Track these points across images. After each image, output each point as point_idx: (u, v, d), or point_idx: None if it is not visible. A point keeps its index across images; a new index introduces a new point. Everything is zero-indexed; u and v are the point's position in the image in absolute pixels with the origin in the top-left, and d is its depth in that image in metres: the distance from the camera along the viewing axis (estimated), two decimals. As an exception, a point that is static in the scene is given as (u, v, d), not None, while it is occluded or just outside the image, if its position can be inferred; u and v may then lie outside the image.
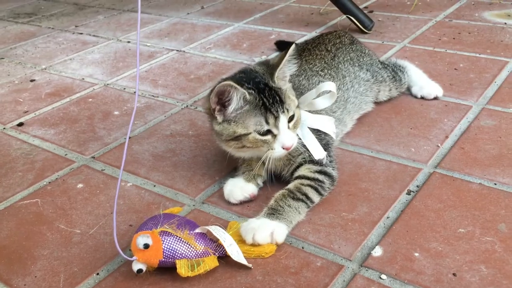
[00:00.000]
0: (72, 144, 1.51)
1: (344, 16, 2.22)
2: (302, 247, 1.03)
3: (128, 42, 2.38)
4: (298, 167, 1.18)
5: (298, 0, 2.80)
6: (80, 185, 1.30)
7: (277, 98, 1.09)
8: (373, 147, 1.36)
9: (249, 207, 1.17)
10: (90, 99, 1.80)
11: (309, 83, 1.34)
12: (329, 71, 1.39)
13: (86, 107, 1.75)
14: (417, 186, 1.19)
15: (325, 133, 1.25)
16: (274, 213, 1.06)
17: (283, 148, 1.10)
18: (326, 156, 1.17)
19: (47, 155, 1.46)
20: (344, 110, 1.36)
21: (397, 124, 1.46)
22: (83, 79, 1.99)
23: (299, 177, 1.15)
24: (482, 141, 1.34)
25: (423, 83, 1.59)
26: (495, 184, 1.17)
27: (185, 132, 1.52)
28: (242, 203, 1.18)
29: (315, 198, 1.12)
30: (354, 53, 1.49)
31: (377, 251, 1.00)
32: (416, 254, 0.98)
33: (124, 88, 1.87)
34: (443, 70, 1.77)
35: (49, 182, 1.33)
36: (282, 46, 2.04)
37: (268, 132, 1.10)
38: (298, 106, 1.15)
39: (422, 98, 1.57)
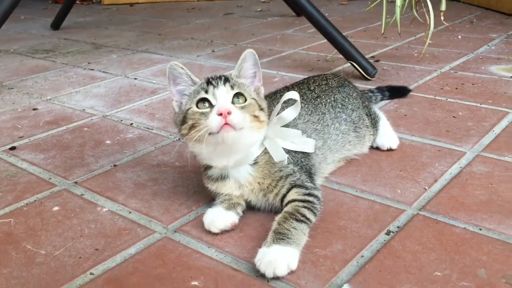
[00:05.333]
0: (58, 169, 1.51)
1: (349, 63, 2.23)
2: (268, 281, 0.98)
3: (135, 78, 2.42)
4: (288, 190, 1.17)
5: (306, 48, 2.84)
6: (56, 208, 1.29)
7: (223, 77, 1.16)
8: (358, 186, 1.32)
9: (220, 238, 1.13)
10: (86, 128, 1.82)
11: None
12: (307, 105, 1.37)
13: (80, 135, 1.76)
14: (398, 227, 1.13)
15: (308, 159, 1.23)
16: (283, 237, 1.03)
17: (218, 115, 1.07)
18: (288, 158, 1.18)
19: (31, 178, 1.45)
20: (325, 144, 1.33)
21: (386, 166, 1.42)
22: (83, 110, 2.02)
23: (291, 201, 1.14)
24: (472, 187, 1.28)
25: (382, 133, 1.52)
26: (480, 229, 1.11)
27: (171, 163, 1.51)
28: (222, 232, 1.14)
29: (312, 218, 1.11)
30: (340, 94, 1.46)
31: (345, 290, 0.95)
32: (386, 295, 0.92)
33: (121, 120, 1.88)
34: (441, 117, 1.73)
35: (27, 204, 1.32)
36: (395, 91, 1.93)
37: (206, 102, 1.12)
38: (261, 108, 1.17)
39: (377, 148, 1.51)
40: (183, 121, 1.16)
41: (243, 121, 1.10)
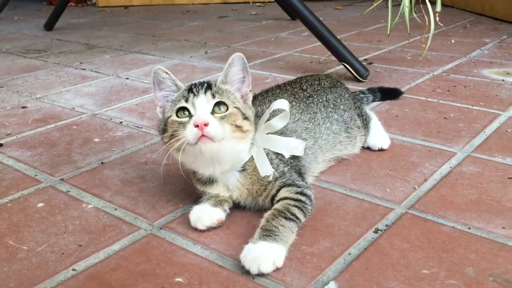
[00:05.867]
0: (44, 166, 1.49)
1: (342, 65, 2.22)
2: (253, 278, 0.96)
3: (127, 78, 2.40)
4: (278, 191, 1.15)
5: (300, 50, 2.84)
6: (40, 204, 1.27)
7: (206, 84, 1.13)
8: (348, 185, 1.30)
9: (206, 235, 1.11)
10: (75, 126, 1.80)
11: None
12: (298, 104, 1.36)
13: (69, 133, 1.74)
14: (386, 225, 1.12)
15: (298, 160, 1.21)
16: (270, 234, 1.01)
17: (195, 126, 1.04)
18: (274, 173, 1.13)
19: (17, 175, 1.43)
20: (316, 143, 1.31)
21: (376, 165, 1.40)
22: (73, 108, 2.00)
23: (283, 198, 1.12)
24: (462, 186, 1.27)
25: (373, 133, 1.51)
26: (468, 228, 1.10)
27: (159, 161, 1.48)
28: (208, 229, 1.12)
29: (302, 217, 1.09)
30: (332, 95, 1.45)
31: (331, 287, 0.93)
32: (372, 293, 0.91)
33: (111, 119, 1.86)
34: (432, 118, 1.73)
35: (11, 200, 1.30)
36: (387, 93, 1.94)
37: (186, 111, 1.09)
38: (245, 117, 1.12)
39: (368, 148, 1.50)
40: (164, 129, 1.13)
41: (223, 132, 1.06)
